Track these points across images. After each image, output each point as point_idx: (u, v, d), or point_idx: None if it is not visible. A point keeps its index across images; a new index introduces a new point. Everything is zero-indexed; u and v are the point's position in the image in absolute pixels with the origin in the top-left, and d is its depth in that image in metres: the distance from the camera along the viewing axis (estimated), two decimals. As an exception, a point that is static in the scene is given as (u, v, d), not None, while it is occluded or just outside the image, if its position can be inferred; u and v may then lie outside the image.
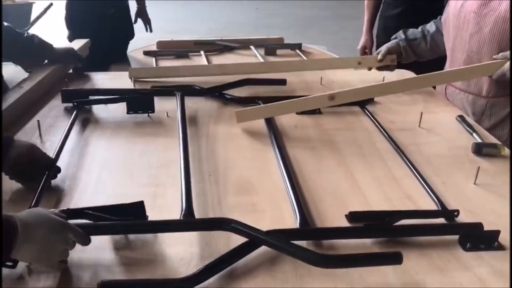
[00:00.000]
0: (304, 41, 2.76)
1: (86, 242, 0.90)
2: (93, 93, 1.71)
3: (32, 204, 1.05)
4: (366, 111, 1.67)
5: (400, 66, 2.01)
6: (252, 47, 2.54)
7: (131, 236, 1.00)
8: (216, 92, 1.76)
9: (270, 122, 1.54)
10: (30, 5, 4.35)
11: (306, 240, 1.00)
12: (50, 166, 1.18)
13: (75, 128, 1.49)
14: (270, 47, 2.53)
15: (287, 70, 1.98)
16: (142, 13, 3.14)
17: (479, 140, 1.46)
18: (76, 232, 0.89)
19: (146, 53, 2.48)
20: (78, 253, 0.92)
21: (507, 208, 1.13)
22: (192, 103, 1.68)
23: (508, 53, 1.54)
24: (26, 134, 1.43)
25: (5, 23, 1.74)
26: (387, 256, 0.93)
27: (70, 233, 0.88)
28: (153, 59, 2.39)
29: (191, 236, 1.01)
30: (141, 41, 2.85)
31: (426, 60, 1.98)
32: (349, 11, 7.36)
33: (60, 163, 1.24)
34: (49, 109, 1.63)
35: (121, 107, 1.61)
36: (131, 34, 2.88)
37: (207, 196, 1.16)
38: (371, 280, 0.91)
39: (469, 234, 1.01)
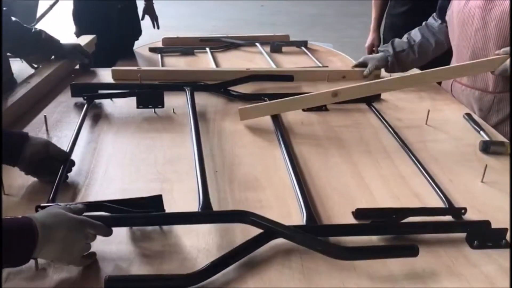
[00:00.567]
0: (310, 39, 2.75)
1: (107, 233, 0.91)
2: (103, 87, 1.71)
3: (50, 198, 1.06)
4: (373, 109, 1.66)
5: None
6: (257, 44, 2.54)
7: (146, 230, 1.01)
8: (222, 88, 1.76)
9: (276, 119, 1.53)
10: (36, 2, 4.36)
11: (313, 237, 1.00)
12: (65, 161, 1.18)
13: (86, 124, 1.49)
14: (276, 44, 2.52)
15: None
16: (149, 10, 3.14)
17: (487, 138, 1.45)
18: (95, 226, 0.89)
19: (152, 49, 2.48)
20: (100, 246, 0.93)
21: (514, 206, 1.13)
22: (198, 99, 1.67)
23: (509, 48, 1.54)
24: (33, 129, 1.44)
25: (13, 18, 1.75)
26: (404, 248, 0.94)
27: (89, 229, 0.88)
28: (159, 55, 2.39)
29: (202, 230, 1.01)
30: (146, 38, 2.86)
31: (431, 57, 1.96)
32: (355, 8, 7.33)
33: (73, 157, 1.24)
34: (55, 105, 1.64)
35: (129, 103, 1.62)
36: (138, 31, 2.88)
37: (214, 192, 1.16)
38: (378, 276, 0.91)
39: (476, 232, 1.00)
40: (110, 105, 1.64)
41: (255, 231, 0.97)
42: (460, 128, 1.57)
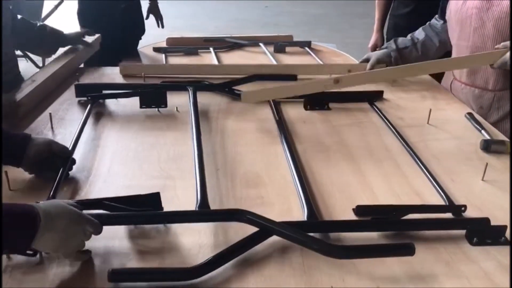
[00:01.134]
0: (313, 39, 2.76)
1: (99, 230, 0.92)
2: (106, 88, 1.73)
3: (50, 194, 1.08)
4: (375, 108, 1.67)
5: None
6: (261, 44, 2.55)
7: (146, 227, 1.02)
8: (226, 88, 1.77)
9: (279, 117, 1.55)
10: (41, 2, 4.39)
11: (314, 233, 1.01)
12: (67, 159, 1.20)
13: (89, 121, 1.51)
14: (280, 44, 2.53)
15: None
16: (154, 9, 3.16)
17: (488, 137, 1.46)
18: (91, 223, 0.91)
19: (156, 49, 2.50)
20: (95, 242, 0.94)
21: (514, 204, 1.13)
22: (201, 98, 1.69)
23: (509, 43, 1.55)
24: (38, 127, 1.46)
25: (19, 16, 1.81)
26: (400, 247, 0.94)
27: (87, 224, 0.90)
28: (163, 55, 2.40)
29: (202, 228, 1.02)
30: (150, 38, 2.87)
31: (435, 56, 1.98)
32: (358, 9, 7.34)
33: (75, 155, 1.26)
34: (60, 102, 1.66)
35: (132, 102, 1.63)
36: (142, 30, 2.90)
37: (215, 189, 1.17)
38: (377, 273, 0.92)
39: (476, 229, 1.01)
40: (114, 103, 1.66)
41: (253, 228, 0.98)
42: (462, 127, 1.57)
